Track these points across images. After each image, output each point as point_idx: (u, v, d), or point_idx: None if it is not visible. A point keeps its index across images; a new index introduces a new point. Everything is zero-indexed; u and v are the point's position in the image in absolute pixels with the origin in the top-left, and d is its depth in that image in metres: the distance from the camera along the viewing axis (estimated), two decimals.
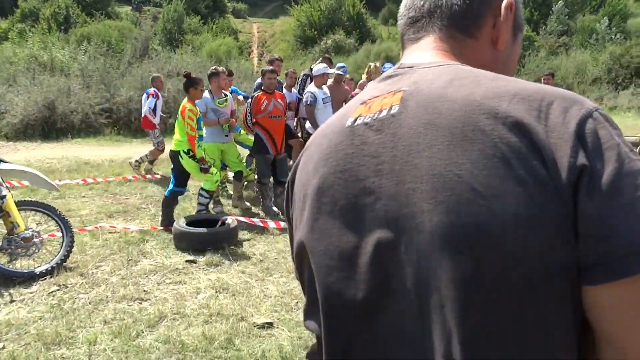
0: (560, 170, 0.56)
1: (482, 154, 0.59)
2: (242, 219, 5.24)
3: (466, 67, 0.72)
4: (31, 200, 4.49)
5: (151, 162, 7.93)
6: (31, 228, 4.09)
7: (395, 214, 0.64)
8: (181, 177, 5.27)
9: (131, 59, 15.21)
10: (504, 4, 0.77)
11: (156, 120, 7.58)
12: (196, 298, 3.69)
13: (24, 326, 3.23)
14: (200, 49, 20.59)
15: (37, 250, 4.05)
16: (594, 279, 0.56)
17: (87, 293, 3.72)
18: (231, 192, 6.72)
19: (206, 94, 5.80)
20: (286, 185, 0.87)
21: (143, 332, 3.15)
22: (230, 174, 6.70)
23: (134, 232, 5.04)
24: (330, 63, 6.88)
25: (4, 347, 2.99)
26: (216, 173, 5.36)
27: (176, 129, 5.22)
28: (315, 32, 26.50)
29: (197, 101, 5.81)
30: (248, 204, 6.20)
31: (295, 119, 6.89)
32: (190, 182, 7.34)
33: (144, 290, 3.78)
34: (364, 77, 7.97)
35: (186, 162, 5.13)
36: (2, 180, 4.00)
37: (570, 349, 0.59)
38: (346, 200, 0.70)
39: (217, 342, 3.02)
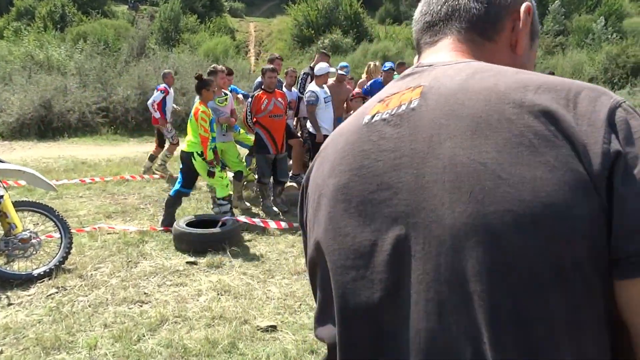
0: (592, 157, 0.55)
1: (507, 142, 0.57)
2: (243, 219, 5.18)
3: (488, 64, 0.71)
4: (29, 201, 4.42)
5: (151, 160, 7.84)
6: (29, 229, 4.01)
7: (414, 208, 0.63)
8: (189, 178, 5.21)
9: (128, 58, 15.09)
10: (522, 8, 0.77)
11: (157, 115, 7.46)
12: (198, 300, 3.63)
13: (22, 330, 3.16)
14: (197, 48, 20.47)
15: (35, 252, 3.98)
16: (627, 272, 0.54)
17: (86, 296, 3.65)
18: (230, 192, 6.65)
19: None
20: (300, 189, 0.86)
21: (144, 336, 3.09)
22: (230, 174, 6.64)
23: (133, 233, 4.97)
24: (327, 58, 6.84)
25: (2, 352, 2.92)
26: (225, 177, 5.27)
27: (189, 130, 5.15)
28: (313, 32, 26.42)
29: (196, 100, 5.76)
30: (248, 204, 6.14)
31: (295, 118, 6.83)
32: None
33: (145, 293, 3.71)
34: (364, 76, 7.94)
35: (199, 164, 5.06)
36: None
37: (603, 347, 0.56)
38: (362, 197, 0.68)
39: (220, 347, 2.96)
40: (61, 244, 4.09)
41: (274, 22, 32.90)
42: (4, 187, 3.94)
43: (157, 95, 7.49)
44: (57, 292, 3.69)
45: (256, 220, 5.31)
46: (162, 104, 7.50)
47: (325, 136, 6.13)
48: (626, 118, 0.57)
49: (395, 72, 7.20)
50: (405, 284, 0.63)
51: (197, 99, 5.27)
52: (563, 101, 0.58)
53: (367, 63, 9.34)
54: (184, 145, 5.22)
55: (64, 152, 9.72)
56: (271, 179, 5.91)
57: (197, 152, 5.03)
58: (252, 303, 3.60)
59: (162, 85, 7.65)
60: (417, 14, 0.86)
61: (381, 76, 7.12)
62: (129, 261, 4.29)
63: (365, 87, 7.10)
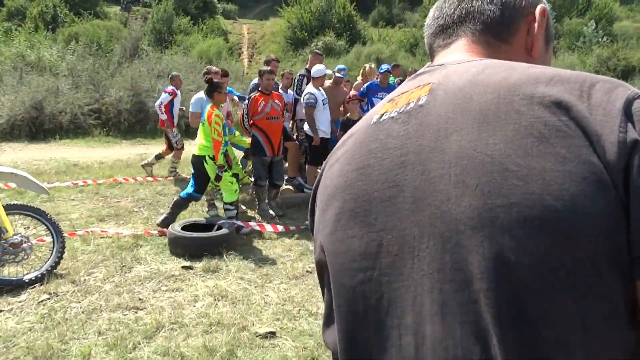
0: (607, 147, 0.52)
1: (516, 133, 0.55)
2: (239, 222, 5.10)
3: (500, 60, 0.69)
4: (20, 204, 4.31)
5: (157, 158, 7.74)
6: (20, 233, 3.91)
7: (419, 205, 0.61)
8: (201, 183, 5.15)
9: (121, 59, 14.95)
10: (538, 10, 0.76)
11: (164, 117, 7.34)
12: (194, 306, 3.54)
13: (13, 338, 3.06)
14: (190, 49, 20.36)
15: (26, 257, 3.87)
16: None
17: (79, 302, 3.55)
18: (238, 198, 6.56)
19: (201, 94, 5.66)
20: (311, 194, 0.84)
21: (140, 344, 3.00)
22: None
23: (126, 237, 4.88)
24: (321, 57, 6.79)
25: None
26: (235, 182, 5.20)
27: (200, 134, 5.08)
28: (306, 34, 26.39)
29: (191, 102, 5.70)
30: (243, 207, 6.06)
31: (292, 120, 6.77)
32: (184, 185, 7.21)
33: (140, 299, 3.62)
34: (360, 78, 7.88)
35: (210, 168, 4.99)
36: None
37: (621, 348, 0.52)
38: (368, 197, 0.67)
39: (218, 354, 2.88)
40: (53, 248, 3.99)
41: (267, 24, 32.85)
42: None
43: (164, 97, 7.37)
44: (49, 299, 3.59)
45: (252, 223, 5.24)
46: (170, 107, 7.37)
47: (323, 139, 6.08)
48: None
49: (391, 74, 7.17)
50: (411, 286, 0.61)
51: (190, 98, 5.18)
52: (577, 92, 0.56)
53: (361, 65, 9.33)
54: (195, 149, 5.14)
55: (55, 154, 9.58)
56: (266, 182, 5.84)
57: (208, 156, 4.97)
58: (250, 309, 3.52)
59: (170, 88, 7.56)
60: (429, 19, 0.86)
61: (377, 78, 7.07)
62: (123, 266, 4.20)
63: (361, 89, 7.04)
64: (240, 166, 6.15)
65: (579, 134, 0.53)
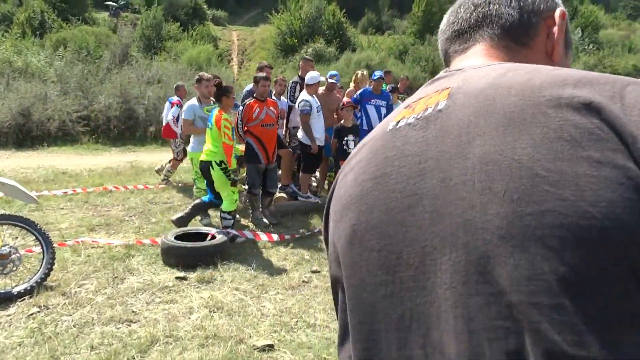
0: None
1: (545, 137, 0.52)
2: (233, 231, 5.02)
3: (521, 63, 0.67)
4: (8, 214, 4.19)
5: (159, 172, 7.64)
6: (8, 244, 3.80)
7: (439, 214, 0.58)
8: (217, 190, 5.10)
9: (110, 66, 14.81)
10: (558, 13, 0.75)
11: (179, 130, 7.25)
12: (189, 318, 3.46)
13: (1, 354, 2.95)
14: (180, 56, 20.26)
15: (14, 268, 3.77)
16: None
17: (70, 315, 3.45)
18: (236, 207, 6.48)
19: (193, 101, 5.60)
20: (325, 205, 0.82)
21: (134, 359, 2.91)
22: None
23: (118, 247, 4.77)
24: (311, 63, 6.78)
25: None
26: (236, 192, 5.13)
27: (207, 139, 5.01)
28: (296, 41, 26.43)
29: (184, 108, 5.62)
30: (237, 215, 5.97)
31: (285, 127, 6.72)
32: (175, 193, 7.13)
33: (133, 311, 3.53)
34: (352, 85, 7.86)
35: (216, 174, 4.93)
36: None
37: None
38: (386, 206, 0.64)
39: None
40: (43, 259, 3.88)
41: (257, 30, 32.84)
42: None
43: (174, 111, 7.25)
44: (38, 312, 3.49)
45: (247, 232, 5.17)
46: (176, 117, 7.29)
47: (320, 146, 6.04)
48: None
49: (384, 81, 7.15)
50: (434, 301, 0.57)
51: (189, 101, 5.11)
52: (608, 93, 0.53)
53: (351, 72, 9.33)
54: (202, 155, 5.09)
55: (43, 161, 9.43)
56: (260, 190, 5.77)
57: (215, 162, 4.90)
58: (247, 320, 3.45)
59: (176, 99, 7.49)
60: (443, 24, 0.84)
61: (370, 85, 7.06)
62: (115, 277, 4.10)
63: (354, 96, 7.02)
64: None
65: (612, 136, 0.50)
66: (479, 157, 0.56)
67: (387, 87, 7.66)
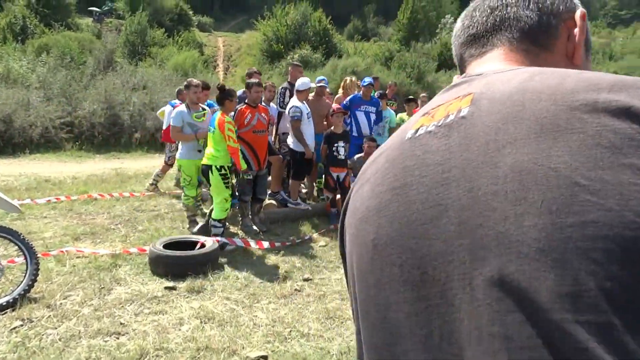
0: None
1: (582, 143, 0.50)
2: (223, 239, 4.93)
3: (546, 68, 0.63)
4: None
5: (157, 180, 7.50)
6: None
7: (468, 226, 0.54)
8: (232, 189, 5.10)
9: (94, 72, 14.61)
10: (578, 14, 0.72)
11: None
12: (180, 330, 3.36)
13: None
14: (165, 62, 20.11)
15: None
16: None
17: (56, 328, 3.32)
18: (206, 211, 6.39)
19: (182, 107, 5.51)
20: (340, 218, 0.78)
21: None
22: (206, 192, 6.38)
23: (104, 256, 4.65)
24: (300, 68, 6.75)
25: None
26: (229, 201, 5.09)
27: (210, 143, 4.99)
28: (282, 47, 26.44)
29: (172, 115, 5.54)
30: (226, 223, 5.88)
31: (274, 133, 6.66)
32: (161, 201, 7.01)
33: (121, 323, 3.42)
34: (340, 91, 7.83)
35: (214, 179, 4.92)
36: None
37: None
38: (407, 219, 0.60)
39: None
40: (26, 270, 3.75)
41: (242, 37, 32.81)
42: None
43: None
44: (22, 325, 3.36)
45: (236, 240, 5.08)
46: None
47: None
48: None
49: (373, 87, 7.14)
50: (464, 319, 0.53)
51: (177, 107, 5.02)
52: None
53: (338, 78, 9.31)
54: (204, 159, 5.07)
55: (25, 169, 9.22)
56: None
57: (215, 166, 4.88)
58: (239, 331, 3.36)
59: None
60: (457, 29, 0.82)
61: (360, 91, 7.04)
62: (102, 288, 3.98)
63: (344, 102, 6.99)
64: None
65: None
66: (510, 165, 0.53)
67: (376, 94, 7.64)
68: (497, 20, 0.74)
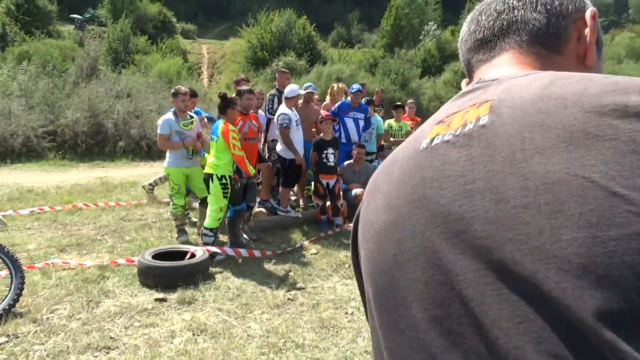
0: None
1: (616, 151, 0.48)
2: (213, 248, 4.86)
3: (565, 72, 0.61)
4: None
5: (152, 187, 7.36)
6: None
7: (496, 240, 0.51)
8: (233, 197, 5.04)
9: (77, 79, 14.40)
10: (588, 14, 0.70)
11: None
12: (172, 343, 3.29)
13: None
14: (149, 69, 19.93)
15: None
16: None
17: (43, 344, 3.22)
18: (195, 220, 6.31)
19: (169, 115, 5.43)
20: (351, 232, 0.76)
21: None
22: (195, 202, 6.31)
23: (91, 268, 4.54)
24: (288, 75, 6.73)
25: None
26: (223, 211, 5.06)
27: (212, 152, 4.97)
28: (267, 54, 26.43)
29: (159, 123, 5.46)
30: (217, 232, 5.80)
31: (263, 141, 6.61)
32: (149, 210, 6.91)
33: (111, 337, 3.33)
34: (328, 98, 7.82)
35: (214, 188, 4.90)
36: None
37: None
38: (429, 232, 0.58)
39: None
40: (11, 284, 3.64)
41: (227, 44, 32.73)
42: None
43: None
44: (7, 342, 3.25)
45: (227, 249, 5.01)
46: None
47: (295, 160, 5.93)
48: None
49: (361, 94, 7.14)
50: (499, 337, 0.50)
51: (164, 115, 4.96)
52: None
53: (323, 85, 9.30)
54: (206, 167, 5.06)
55: (6, 179, 9.02)
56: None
57: (216, 176, 4.86)
58: (233, 343, 3.30)
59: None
60: (464, 33, 0.80)
61: (348, 97, 7.04)
62: (90, 301, 3.88)
63: (332, 109, 6.98)
64: None
65: None
66: (541, 176, 0.50)
67: (363, 100, 7.65)
68: (505, 24, 0.72)
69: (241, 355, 3.14)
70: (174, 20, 32.17)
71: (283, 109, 5.88)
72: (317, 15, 36.24)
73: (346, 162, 6.71)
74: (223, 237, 5.74)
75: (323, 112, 6.71)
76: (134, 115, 12.82)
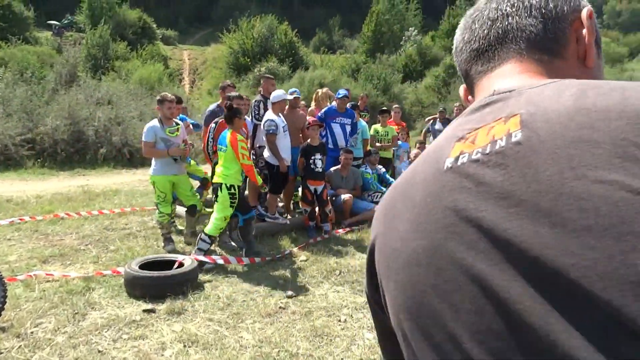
0: None
1: None
2: (202, 257, 4.78)
3: (587, 80, 0.59)
4: None
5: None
6: None
7: (558, 267, 0.47)
8: (240, 205, 5.04)
9: (56, 86, 14.13)
10: (585, 14, 0.68)
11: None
12: (162, 355, 3.20)
13: None
14: (130, 76, 19.69)
15: None
16: None
17: (28, 359, 3.11)
18: (181, 228, 6.21)
19: (154, 122, 5.34)
20: (366, 262, 0.71)
21: None
22: (181, 209, 6.21)
23: (76, 280, 4.42)
24: (273, 81, 6.71)
25: None
26: (227, 221, 5.05)
27: (220, 162, 4.97)
28: (249, 60, 26.39)
29: (144, 130, 5.37)
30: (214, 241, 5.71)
31: (250, 147, 6.54)
32: (133, 219, 6.78)
33: (99, 351, 3.23)
34: (313, 104, 7.81)
35: (222, 197, 4.90)
36: None
37: None
38: (471, 258, 0.53)
39: None
40: None
41: (208, 50, 32.57)
42: None
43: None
44: None
45: (215, 257, 4.93)
46: None
47: (286, 166, 5.89)
48: None
49: (348, 99, 7.14)
50: None
51: (149, 123, 4.88)
52: None
53: (309, 90, 9.30)
54: (215, 177, 5.06)
55: None
56: None
57: (225, 185, 4.87)
58: (225, 354, 3.23)
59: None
60: (458, 42, 0.77)
61: (333, 103, 7.03)
62: (76, 313, 3.77)
63: (319, 114, 6.96)
64: (198, 197, 5.83)
65: None
66: (601, 196, 0.47)
67: (348, 105, 7.66)
68: (500, 32, 0.70)
69: None
70: (154, 26, 31.90)
71: (270, 115, 5.84)
72: (299, 20, 36.32)
73: (333, 168, 6.70)
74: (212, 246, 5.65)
75: (310, 118, 6.69)
76: (116, 122, 12.63)
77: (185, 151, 5.41)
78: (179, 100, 5.89)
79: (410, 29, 32.41)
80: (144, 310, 3.85)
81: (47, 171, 11.17)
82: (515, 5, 0.70)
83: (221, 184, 4.91)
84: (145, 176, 10.13)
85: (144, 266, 4.34)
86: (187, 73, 29.36)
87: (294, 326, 3.68)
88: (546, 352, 0.47)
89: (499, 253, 0.51)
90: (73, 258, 5.15)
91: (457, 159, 0.60)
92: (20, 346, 3.27)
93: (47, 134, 11.62)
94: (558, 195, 0.49)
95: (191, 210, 5.55)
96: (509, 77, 0.68)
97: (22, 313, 3.74)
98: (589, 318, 0.45)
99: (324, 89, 8.23)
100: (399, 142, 8.40)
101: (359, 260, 5.24)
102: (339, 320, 3.79)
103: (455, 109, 9.00)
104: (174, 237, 5.72)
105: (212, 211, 5.65)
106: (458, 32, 0.78)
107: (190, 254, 4.85)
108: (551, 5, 0.68)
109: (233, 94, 5.40)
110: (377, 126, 8.15)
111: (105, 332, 3.50)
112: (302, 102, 7.02)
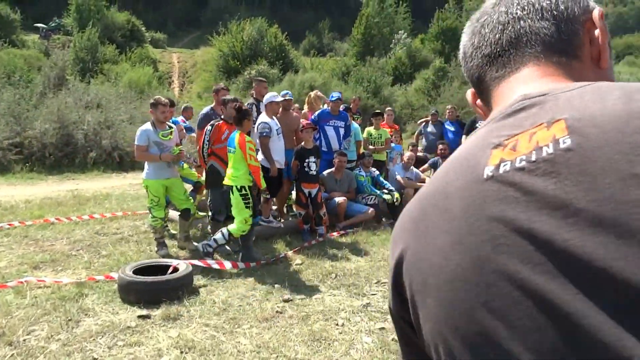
0: None
1: None
2: (196, 262, 4.73)
3: (622, 83, 0.57)
4: None
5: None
6: None
7: (628, 280, 0.44)
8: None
9: (45, 90, 13.96)
10: (596, 14, 0.67)
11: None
12: None
13: None
14: (118, 79, 19.54)
15: None
16: None
17: None
18: (174, 232, 6.15)
19: (147, 125, 5.29)
20: (392, 277, 0.66)
21: None
22: (174, 213, 6.15)
23: (68, 285, 4.35)
24: (265, 83, 6.70)
25: None
26: (249, 222, 5.04)
27: (230, 163, 4.98)
28: (239, 63, 26.33)
29: (137, 134, 5.31)
30: (196, 243, 5.66)
31: None
32: (124, 223, 6.71)
33: (94, 358, 3.17)
34: (306, 107, 7.79)
35: (235, 199, 4.92)
36: None
37: None
38: (526, 272, 0.50)
39: None
40: None
41: (197, 53, 32.45)
42: None
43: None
44: None
45: (210, 261, 4.88)
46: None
47: (280, 169, 5.87)
48: None
49: (341, 102, 7.13)
50: None
51: (142, 126, 4.82)
52: None
53: (299, 93, 9.30)
54: (225, 179, 5.04)
55: None
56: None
57: (236, 187, 4.87)
58: None
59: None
60: (467, 48, 0.75)
61: (328, 106, 7.02)
62: (69, 320, 3.70)
63: (312, 117, 6.94)
64: (191, 200, 5.77)
65: None
66: None
67: (341, 107, 7.66)
68: (513, 36, 0.69)
69: None
70: (143, 29, 31.73)
71: (263, 117, 5.81)
72: (289, 24, 36.35)
73: (327, 171, 6.68)
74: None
75: (303, 121, 6.67)
76: (105, 126, 12.51)
77: (179, 156, 5.35)
78: (172, 104, 5.84)
79: (400, 32, 32.58)
80: (139, 316, 3.79)
81: (35, 175, 11.01)
82: (526, 8, 0.69)
83: (231, 186, 4.91)
84: (136, 180, 10.06)
85: (138, 271, 4.28)
86: (177, 76, 29.24)
87: (292, 330, 3.65)
88: None
89: (559, 266, 0.48)
90: (65, 264, 5.07)
91: (497, 167, 0.57)
92: (12, 354, 3.20)
93: (35, 138, 11.48)
94: (621, 204, 0.47)
95: (184, 214, 5.49)
96: (531, 81, 0.66)
97: (13, 320, 3.66)
98: None
99: (316, 92, 8.22)
100: (392, 145, 8.41)
101: (355, 263, 5.23)
102: (337, 324, 3.76)
103: (448, 111, 9.02)
104: (167, 241, 5.66)
105: (206, 215, 5.62)
106: (465, 37, 0.76)
107: (184, 259, 4.79)
108: (562, 7, 0.67)
109: (227, 97, 5.37)
110: (371, 129, 8.15)
111: (100, 339, 3.44)
112: (296, 105, 6.99)
